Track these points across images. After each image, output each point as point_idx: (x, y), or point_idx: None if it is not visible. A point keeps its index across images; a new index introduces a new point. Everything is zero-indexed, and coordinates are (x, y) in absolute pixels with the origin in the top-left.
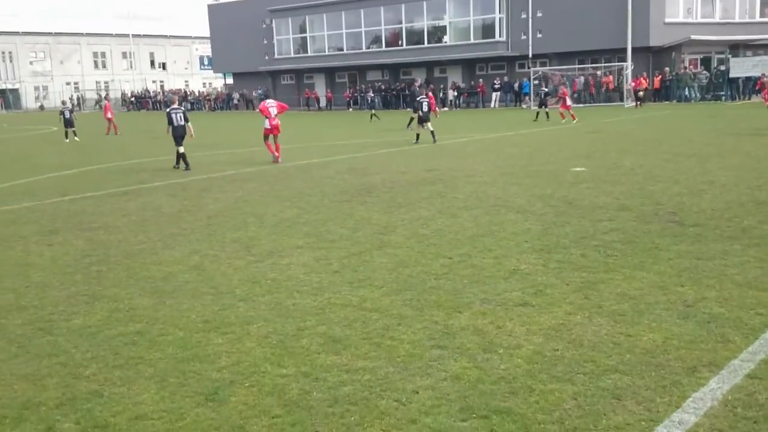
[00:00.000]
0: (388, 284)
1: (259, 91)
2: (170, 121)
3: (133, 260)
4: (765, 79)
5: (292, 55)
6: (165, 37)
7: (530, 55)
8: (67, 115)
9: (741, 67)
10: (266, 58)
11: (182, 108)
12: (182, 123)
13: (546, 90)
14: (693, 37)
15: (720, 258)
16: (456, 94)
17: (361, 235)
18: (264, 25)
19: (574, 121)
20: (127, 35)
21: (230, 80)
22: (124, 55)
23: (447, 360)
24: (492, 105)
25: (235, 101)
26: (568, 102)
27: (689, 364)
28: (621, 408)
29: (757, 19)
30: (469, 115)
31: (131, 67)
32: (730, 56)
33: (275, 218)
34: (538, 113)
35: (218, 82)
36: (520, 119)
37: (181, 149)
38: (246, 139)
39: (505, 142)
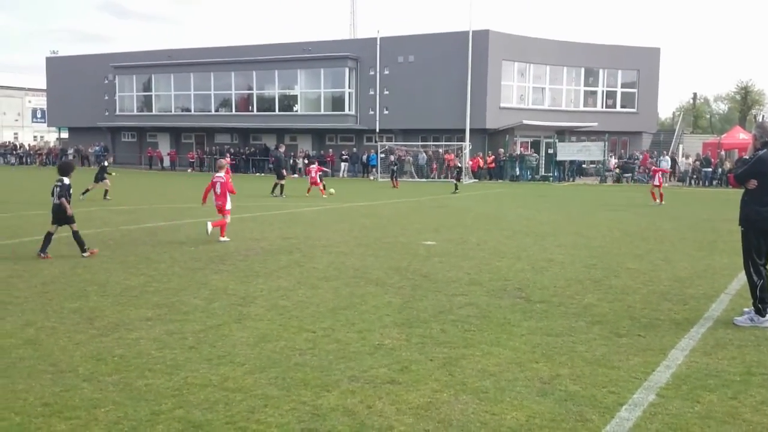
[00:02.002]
0: (251, 361)
1: (97, 147)
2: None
3: None
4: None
5: (135, 112)
6: None
7: (377, 130)
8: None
9: (567, 151)
10: (106, 113)
11: (64, 180)
12: (56, 201)
13: (459, 166)
14: (525, 121)
15: (568, 335)
16: (306, 162)
17: (218, 306)
18: (106, 81)
19: (661, 203)
20: None
21: (65, 134)
22: None
23: None
24: (340, 175)
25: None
26: (659, 180)
27: None
28: None
29: (581, 107)
30: None
31: None
32: (557, 140)
33: (119, 287)
34: (456, 186)
35: (51, 135)
36: (368, 190)
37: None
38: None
39: (357, 213)
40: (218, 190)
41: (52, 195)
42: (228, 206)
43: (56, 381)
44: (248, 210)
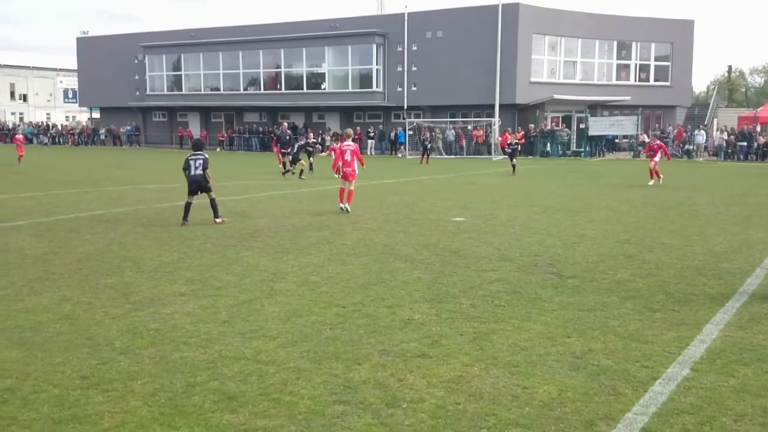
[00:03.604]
0: (283, 335)
1: (128, 127)
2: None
3: None
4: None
5: (165, 92)
6: (28, 68)
7: (405, 107)
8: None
9: (599, 126)
10: (137, 93)
11: (204, 154)
12: (199, 172)
13: (516, 143)
14: (555, 96)
15: (600, 310)
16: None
17: (249, 282)
18: (136, 61)
19: (657, 181)
20: None
21: (97, 114)
22: None
23: (351, 416)
24: (368, 152)
25: (102, 136)
26: (657, 158)
27: (586, 417)
28: None
29: (614, 81)
30: None
31: None
32: (588, 115)
33: (154, 263)
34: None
35: (83, 115)
36: (396, 167)
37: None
38: (115, 176)
39: (385, 190)
40: (348, 157)
41: (187, 169)
42: (356, 172)
43: (93, 354)
44: (276, 188)
